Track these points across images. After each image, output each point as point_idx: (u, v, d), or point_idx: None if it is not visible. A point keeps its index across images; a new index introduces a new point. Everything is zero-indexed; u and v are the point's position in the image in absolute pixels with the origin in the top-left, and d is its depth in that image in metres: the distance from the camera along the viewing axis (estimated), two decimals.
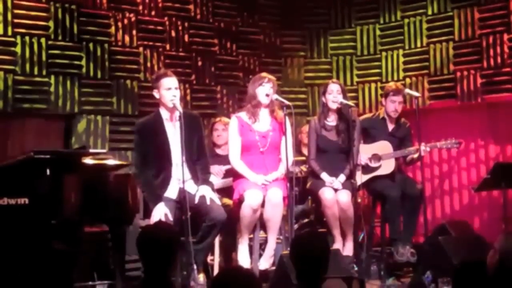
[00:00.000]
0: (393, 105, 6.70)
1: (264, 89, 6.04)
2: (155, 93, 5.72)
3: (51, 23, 7.14)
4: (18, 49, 6.93)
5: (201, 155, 5.79)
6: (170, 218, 5.43)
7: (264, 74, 6.21)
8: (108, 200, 5.58)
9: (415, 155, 6.53)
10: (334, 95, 6.36)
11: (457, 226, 7.17)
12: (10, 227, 5.07)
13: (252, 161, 6.04)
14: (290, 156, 5.94)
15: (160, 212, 5.42)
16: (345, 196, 6.17)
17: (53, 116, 7.21)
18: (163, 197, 5.54)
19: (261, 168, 6.02)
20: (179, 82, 5.84)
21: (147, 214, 5.63)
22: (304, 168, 6.84)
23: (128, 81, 7.60)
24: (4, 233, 5.06)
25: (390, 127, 6.80)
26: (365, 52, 8.72)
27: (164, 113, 5.69)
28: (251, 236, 5.99)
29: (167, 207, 5.46)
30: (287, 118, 6.02)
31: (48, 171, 5.20)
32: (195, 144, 5.72)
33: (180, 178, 5.47)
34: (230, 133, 6.15)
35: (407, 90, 6.85)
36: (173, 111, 5.64)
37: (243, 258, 5.92)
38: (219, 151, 6.98)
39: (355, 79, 8.75)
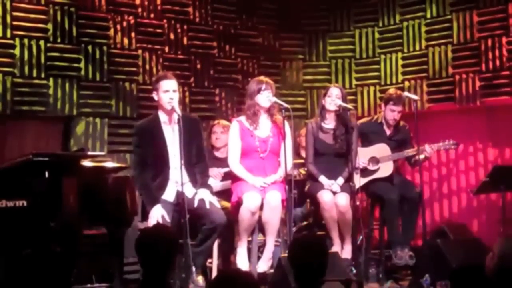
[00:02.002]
0: (392, 114, 6.71)
1: (263, 96, 6.04)
2: (154, 95, 5.72)
3: (50, 26, 7.14)
4: (17, 51, 6.93)
5: (200, 158, 5.78)
6: (168, 219, 5.43)
7: (261, 78, 6.19)
8: (107, 202, 5.58)
9: (421, 156, 6.49)
10: (332, 99, 6.37)
11: (455, 229, 7.18)
12: (9, 230, 5.06)
13: (251, 165, 6.04)
14: (290, 160, 5.95)
15: (157, 214, 5.42)
16: (343, 199, 6.17)
17: (51, 118, 7.20)
18: (160, 200, 5.54)
19: (260, 173, 6.02)
20: (177, 85, 5.83)
21: (146, 216, 5.63)
22: (302, 170, 6.84)
23: (126, 84, 7.60)
24: (2, 236, 5.06)
25: (388, 131, 6.81)
26: (364, 55, 8.71)
27: (162, 116, 5.69)
28: (250, 239, 5.99)
29: (165, 210, 5.46)
30: (286, 121, 6.03)
31: (46, 174, 5.20)
32: (194, 147, 5.71)
33: (178, 181, 5.47)
34: (230, 136, 6.15)
35: (406, 94, 6.86)
36: (171, 114, 5.64)
37: (242, 261, 5.92)
38: (217, 153, 6.97)
39: (354, 82, 8.75)
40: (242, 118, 6.16)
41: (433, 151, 6.65)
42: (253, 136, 6.06)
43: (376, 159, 6.65)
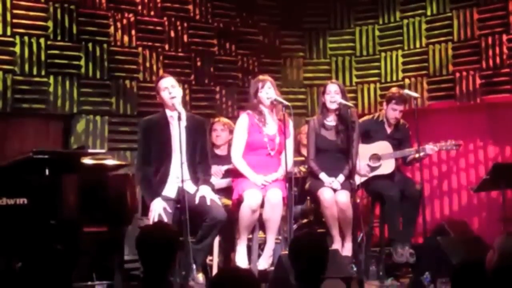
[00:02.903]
0: (394, 113, 6.70)
1: (263, 94, 6.04)
2: (158, 98, 5.78)
3: (50, 23, 7.14)
4: (17, 49, 6.94)
5: (203, 158, 5.80)
6: (169, 210, 5.46)
7: (258, 77, 6.21)
8: (107, 200, 5.57)
9: (417, 155, 6.47)
10: (331, 95, 6.36)
11: (456, 226, 7.18)
12: (9, 227, 5.06)
13: (256, 162, 6.02)
14: (291, 157, 5.95)
15: (159, 207, 5.44)
16: (344, 197, 6.17)
17: (52, 116, 7.21)
18: (162, 196, 5.55)
19: (263, 170, 6.01)
20: (178, 83, 5.85)
21: (146, 213, 5.63)
22: (303, 168, 6.84)
23: (127, 81, 7.61)
24: (3, 234, 5.06)
25: (389, 129, 6.80)
26: (364, 53, 8.71)
27: (168, 113, 5.74)
28: (250, 236, 5.99)
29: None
30: (290, 119, 6.04)
31: (47, 171, 5.20)
32: (199, 147, 5.74)
33: (179, 177, 5.48)
34: (236, 129, 6.14)
35: (407, 91, 6.85)
36: (176, 111, 5.66)
37: (241, 259, 5.92)
38: (217, 151, 6.97)
39: (354, 79, 8.75)
40: (251, 113, 6.15)
41: (434, 150, 6.66)
42: (261, 133, 6.06)
43: (377, 156, 6.64)
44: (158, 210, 5.44)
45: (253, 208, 5.78)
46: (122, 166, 6.16)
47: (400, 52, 8.42)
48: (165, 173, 5.65)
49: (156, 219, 5.39)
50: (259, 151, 6.06)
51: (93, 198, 5.47)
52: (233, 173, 6.18)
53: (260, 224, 5.96)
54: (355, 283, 5.33)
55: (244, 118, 6.11)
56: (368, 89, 8.64)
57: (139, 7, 7.75)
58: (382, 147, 6.67)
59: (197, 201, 5.54)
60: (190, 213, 5.33)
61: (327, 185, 6.24)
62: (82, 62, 7.31)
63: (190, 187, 5.63)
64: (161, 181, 5.63)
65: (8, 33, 6.89)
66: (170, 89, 5.69)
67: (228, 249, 6.43)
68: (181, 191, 5.49)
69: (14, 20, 6.93)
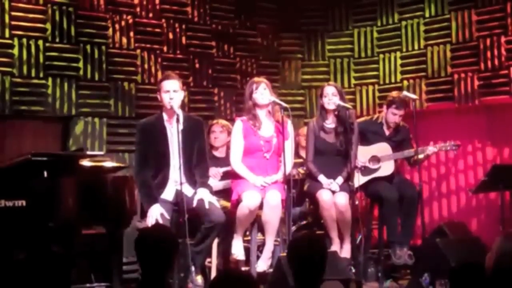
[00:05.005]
0: (394, 117, 6.68)
1: (258, 94, 6.04)
2: (158, 96, 5.75)
3: (48, 25, 7.14)
4: (15, 51, 6.93)
5: (201, 159, 5.78)
6: (167, 217, 5.44)
7: (253, 79, 6.22)
8: (106, 202, 5.58)
9: (420, 156, 6.47)
10: (329, 98, 6.36)
11: (454, 228, 7.18)
12: (8, 229, 5.06)
13: (253, 164, 6.03)
14: (291, 159, 5.96)
15: (156, 213, 5.42)
16: (342, 198, 6.17)
17: (50, 118, 7.21)
18: (159, 199, 5.54)
19: (262, 172, 6.01)
20: (180, 85, 5.82)
21: (145, 216, 5.63)
22: (302, 170, 6.84)
23: (125, 83, 7.60)
24: (1, 236, 5.06)
25: (388, 131, 6.79)
26: (363, 55, 8.71)
27: (165, 115, 5.71)
28: (249, 238, 6.00)
29: (164, 209, 5.47)
30: (289, 122, 6.04)
31: (45, 173, 5.20)
32: (196, 148, 5.72)
33: (177, 180, 5.47)
34: (233, 135, 6.15)
35: (405, 93, 6.85)
36: (173, 114, 5.65)
37: (237, 250, 5.94)
38: (216, 153, 6.96)
39: (353, 81, 8.75)
40: (246, 117, 6.16)
41: (434, 151, 6.66)
42: (256, 136, 6.06)
43: (377, 158, 6.64)
44: (155, 216, 5.41)
45: (251, 209, 5.78)
46: (120, 168, 6.17)
47: (398, 54, 8.42)
48: (164, 177, 5.63)
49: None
50: (256, 154, 6.07)
51: (91, 200, 5.48)
52: (232, 175, 6.18)
53: (259, 226, 5.96)
54: (354, 285, 5.33)
55: (238, 124, 6.13)
56: (367, 91, 8.64)
57: (138, 9, 7.75)
58: (382, 149, 6.66)
59: (195, 203, 5.53)
60: (189, 216, 5.33)
61: (325, 187, 6.24)
62: (81, 64, 7.31)
63: (187, 189, 5.62)
64: (160, 185, 5.62)
65: (7, 35, 6.89)
66: (172, 94, 5.63)
67: (226, 251, 6.43)
68: (179, 194, 5.48)
69: (13, 22, 6.93)
